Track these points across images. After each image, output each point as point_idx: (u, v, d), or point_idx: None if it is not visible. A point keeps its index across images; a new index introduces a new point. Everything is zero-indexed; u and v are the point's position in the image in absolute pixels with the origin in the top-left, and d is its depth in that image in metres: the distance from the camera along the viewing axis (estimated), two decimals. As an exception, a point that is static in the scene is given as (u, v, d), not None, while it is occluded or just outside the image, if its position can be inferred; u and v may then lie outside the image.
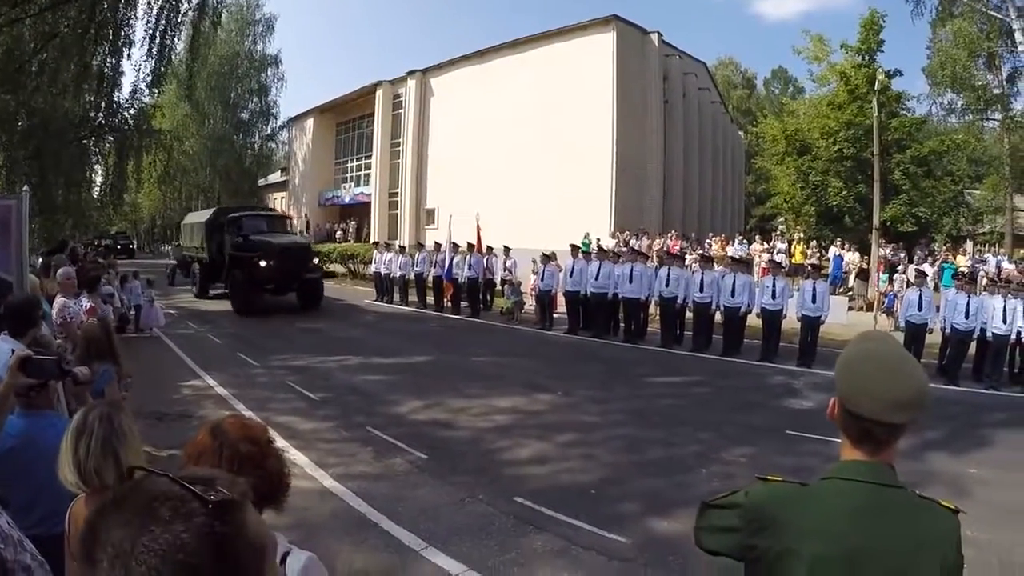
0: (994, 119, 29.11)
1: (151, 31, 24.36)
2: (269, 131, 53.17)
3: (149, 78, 26.62)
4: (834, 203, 28.09)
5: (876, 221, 23.38)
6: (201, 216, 25.69)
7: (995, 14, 26.86)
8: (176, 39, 26.06)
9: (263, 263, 18.30)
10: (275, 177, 54.77)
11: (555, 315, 16.88)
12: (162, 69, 26.55)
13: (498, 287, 20.03)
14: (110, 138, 29.35)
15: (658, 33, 31.46)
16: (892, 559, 1.48)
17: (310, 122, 45.94)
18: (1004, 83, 28.70)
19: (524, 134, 30.29)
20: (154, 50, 24.88)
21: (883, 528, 1.51)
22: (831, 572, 1.49)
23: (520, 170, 29.92)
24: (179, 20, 25.42)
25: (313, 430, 7.69)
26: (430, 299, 20.81)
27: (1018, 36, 25.99)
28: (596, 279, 15.38)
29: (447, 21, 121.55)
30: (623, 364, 12.83)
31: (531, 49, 32.03)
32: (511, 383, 10.53)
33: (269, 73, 51.30)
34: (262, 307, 18.74)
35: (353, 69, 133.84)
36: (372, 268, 24.01)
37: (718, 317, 14.18)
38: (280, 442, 6.71)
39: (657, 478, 6.68)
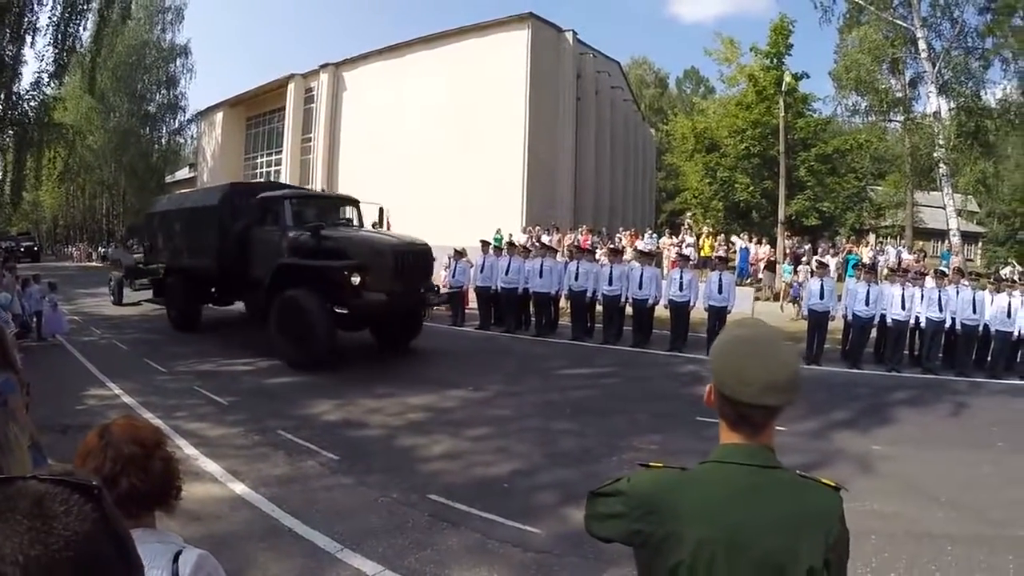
0: (896, 120, 30.85)
1: (56, 18, 23.14)
2: (177, 125, 51.94)
3: (52, 68, 25.26)
4: (741, 198, 29.17)
5: (782, 215, 24.43)
6: (200, 198, 16.64)
7: (900, 23, 28.51)
8: (82, 27, 24.85)
9: (358, 278, 11.24)
10: (183, 173, 53.44)
11: (467, 311, 16.98)
12: (65, 59, 25.19)
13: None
14: (10, 132, 27.59)
15: (573, 32, 31.96)
16: (774, 537, 1.52)
17: (219, 116, 44.77)
18: (906, 87, 30.69)
19: (437, 130, 30.25)
20: (59, 38, 23.63)
21: (763, 508, 1.55)
22: (714, 553, 1.52)
23: (433, 166, 29.92)
24: (86, 7, 24.21)
25: (223, 436, 7.54)
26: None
27: (921, 44, 27.81)
28: (507, 274, 15.55)
29: (362, 14, 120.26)
30: (534, 358, 13.01)
31: (446, 44, 32.06)
32: (423, 380, 10.56)
33: (178, 64, 50.13)
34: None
35: (265, 62, 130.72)
36: None
37: (628, 310, 14.49)
38: (189, 450, 6.77)
39: (569, 468, 6.80)
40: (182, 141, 54.65)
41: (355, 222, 14.58)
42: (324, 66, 37.29)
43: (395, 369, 11.78)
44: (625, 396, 10.20)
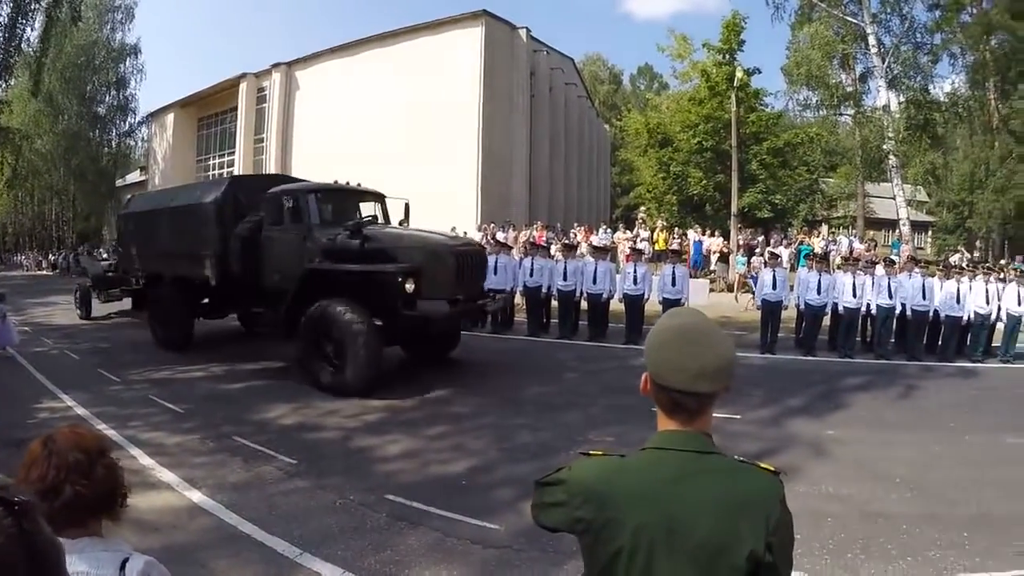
0: (847, 114, 31.82)
1: (3, 19, 22.63)
2: (127, 127, 50.76)
3: (-3, 70, 23.94)
4: (695, 192, 29.61)
5: (735, 208, 24.75)
6: (191, 195, 13.72)
7: (851, 19, 29.39)
8: (29, 28, 24.31)
9: (412, 285, 9.79)
10: (133, 177, 52.42)
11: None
12: (12, 60, 24.55)
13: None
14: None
15: (527, 29, 32.11)
16: (712, 521, 1.54)
17: (170, 117, 43.99)
18: (857, 82, 31.76)
19: (391, 129, 30.15)
20: (5, 39, 23.06)
21: (701, 492, 1.57)
22: (653, 539, 1.54)
23: (387, 165, 29.43)
24: (34, 6, 23.61)
25: (179, 444, 7.45)
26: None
27: (871, 40, 28.66)
28: None
29: (315, 13, 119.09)
30: (491, 354, 13.08)
31: (400, 42, 32.06)
32: (380, 381, 10.33)
33: (128, 64, 48.96)
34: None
35: (217, 62, 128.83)
36: None
37: (584, 305, 14.68)
38: (146, 460, 6.74)
39: (526, 463, 6.84)
40: (133, 143, 53.62)
41: (379, 219, 12.43)
42: (276, 65, 36.96)
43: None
44: (582, 390, 10.28)
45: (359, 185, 13.35)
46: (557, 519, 1.71)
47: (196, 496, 5.91)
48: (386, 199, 13.20)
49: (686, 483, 1.58)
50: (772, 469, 1.67)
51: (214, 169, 41.94)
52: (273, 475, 6.54)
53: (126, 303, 17.97)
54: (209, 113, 42.84)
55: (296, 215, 11.22)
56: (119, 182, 51.63)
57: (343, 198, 12.69)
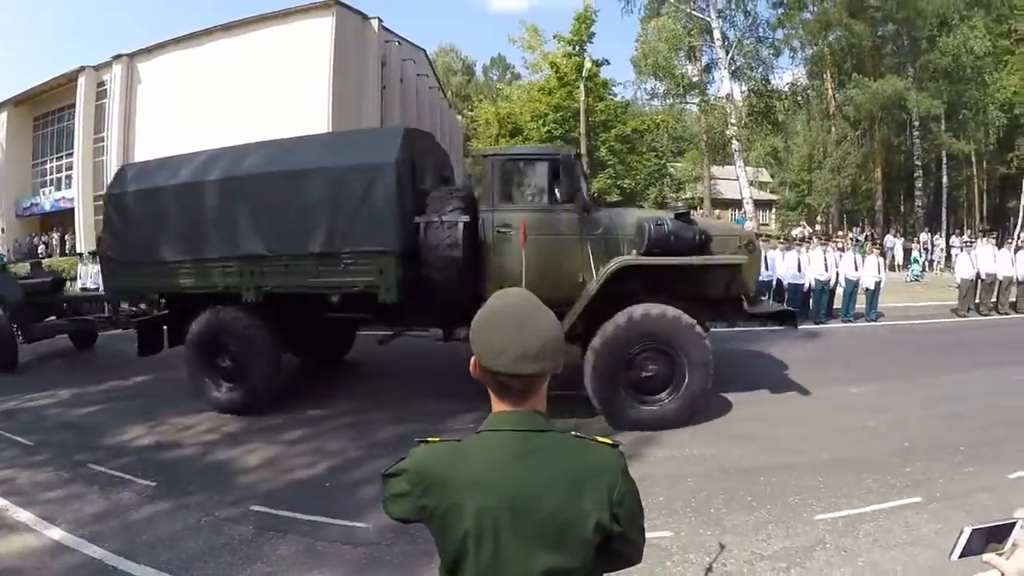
0: (692, 103, 33.42)
1: None
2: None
3: None
4: (545, 180, 30.16)
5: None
6: (317, 151, 9.22)
7: (697, 14, 31.10)
8: None
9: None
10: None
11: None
12: None
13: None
14: None
15: (378, 19, 31.80)
16: (554, 497, 1.56)
17: (3, 117, 40.45)
18: (702, 72, 33.97)
19: (239, 123, 28.17)
20: None
21: (538, 470, 1.59)
22: (497, 520, 1.57)
23: None
24: None
25: (32, 479, 7.10)
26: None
27: (716, 33, 30.63)
28: None
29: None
30: (365, 354, 12.62)
31: (248, 32, 31.00)
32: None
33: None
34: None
35: (52, 54, 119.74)
36: (79, 284, 19.79)
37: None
38: (-2, 501, 6.36)
39: (388, 458, 6.65)
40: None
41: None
42: (117, 57, 34.69)
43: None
44: (439, 379, 10.44)
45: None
46: (404, 509, 1.74)
47: (56, 533, 5.70)
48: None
49: (523, 462, 1.60)
50: (610, 442, 1.71)
51: (52, 173, 39.10)
52: (134, 501, 6.35)
53: (63, 340, 14.40)
54: (45, 111, 39.62)
55: (553, 190, 8.29)
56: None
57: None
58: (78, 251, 29.30)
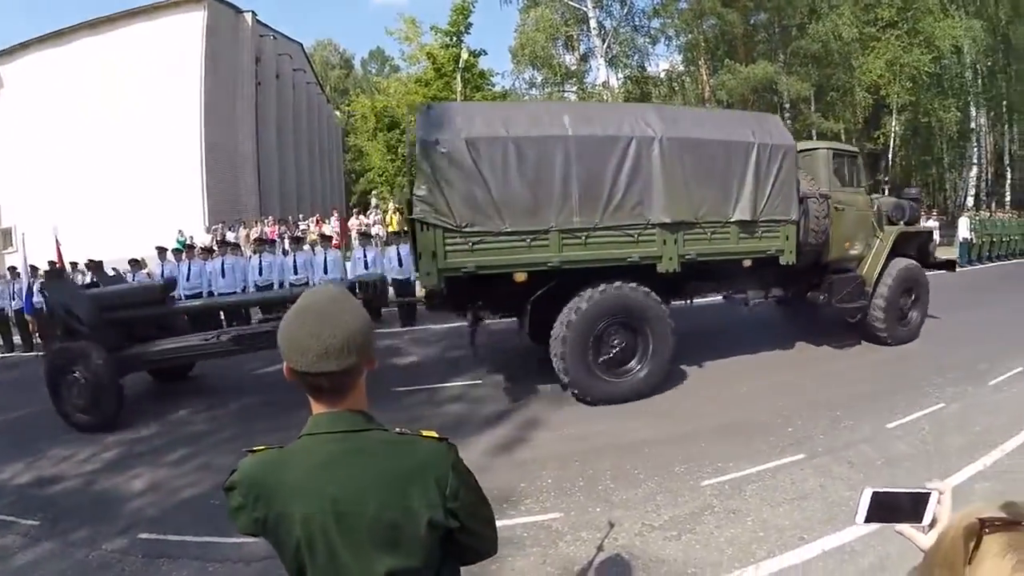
0: (571, 91, 33.93)
1: None
2: None
3: None
4: (423, 172, 30.17)
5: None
6: (734, 129, 9.12)
7: (575, 4, 31.83)
8: None
9: None
10: None
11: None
12: None
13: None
14: None
15: (252, 13, 30.86)
16: (379, 497, 1.53)
17: None
18: (579, 61, 34.75)
19: (109, 127, 27.45)
20: None
21: (360, 471, 1.55)
22: (325, 525, 1.53)
23: (107, 169, 27.13)
24: None
25: None
26: (18, 339, 16.40)
27: (593, 23, 31.12)
28: (188, 280, 14.37)
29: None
30: (229, 363, 12.22)
31: (116, 29, 29.04)
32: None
33: None
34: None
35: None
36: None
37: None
38: None
39: None
40: None
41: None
42: (-24, 62, 32.54)
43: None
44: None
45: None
46: (244, 524, 1.65)
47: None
48: None
49: (342, 464, 1.56)
50: (437, 436, 1.66)
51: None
52: (17, 543, 5.78)
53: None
54: None
55: (852, 175, 10.63)
56: None
57: None
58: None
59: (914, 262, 10.82)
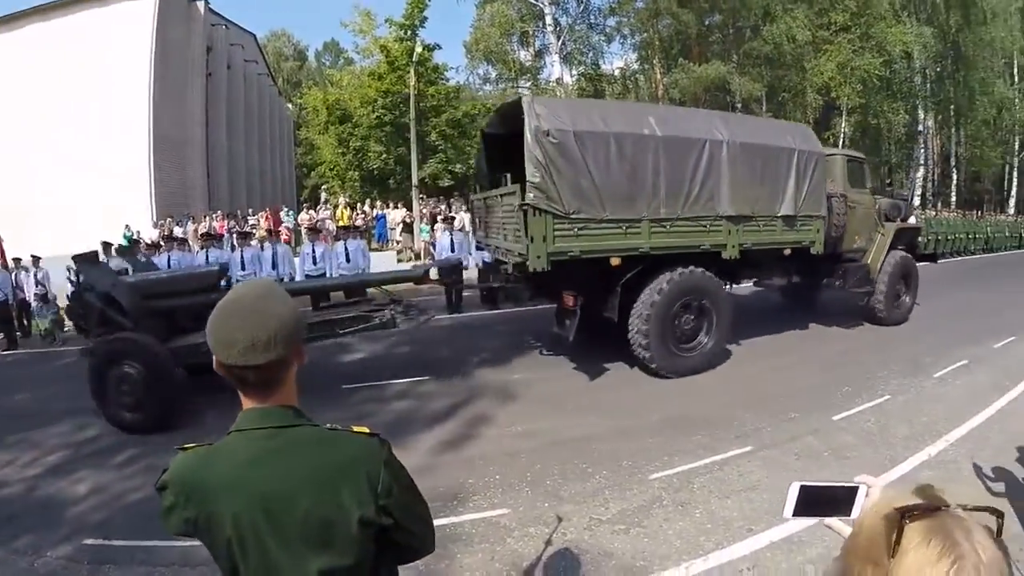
0: (524, 87, 33.93)
1: None
2: None
3: None
4: (375, 166, 30.08)
5: (415, 179, 25.85)
6: (777, 134, 10.53)
7: (531, 0, 31.55)
8: None
9: None
10: None
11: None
12: None
13: (33, 306, 15.51)
14: None
15: (205, 1, 30.27)
16: (309, 495, 1.50)
17: None
18: (534, 57, 34.84)
19: (55, 117, 26.56)
20: None
21: (288, 468, 1.52)
22: (254, 523, 1.50)
23: (52, 161, 26.25)
24: None
25: None
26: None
27: (548, 19, 31.42)
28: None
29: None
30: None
31: (65, 15, 28.13)
32: (54, 417, 8.81)
33: None
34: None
35: None
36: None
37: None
38: None
39: None
40: None
41: None
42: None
43: (23, 410, 9.62)
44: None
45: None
46: (175, 525, 1.61)
47: None
48: None
49: (270, 461, 1.53)
50: (368, 432, 1.63)
51: None
52: None
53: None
54: None
55: (860, 178, 12.21)
56: None
57: None
58: None
59: (907, 254, 12.49)
